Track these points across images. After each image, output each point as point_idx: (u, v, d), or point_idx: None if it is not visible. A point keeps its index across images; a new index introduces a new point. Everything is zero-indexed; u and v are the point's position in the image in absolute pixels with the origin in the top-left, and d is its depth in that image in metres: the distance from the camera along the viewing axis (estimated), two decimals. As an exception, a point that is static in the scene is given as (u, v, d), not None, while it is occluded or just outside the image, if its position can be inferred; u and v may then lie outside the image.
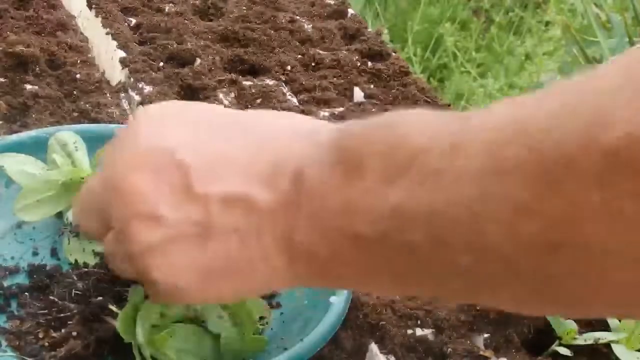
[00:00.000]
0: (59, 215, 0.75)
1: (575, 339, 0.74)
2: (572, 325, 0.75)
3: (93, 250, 0.70)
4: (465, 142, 0.40)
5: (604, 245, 0.35)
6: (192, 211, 0.49)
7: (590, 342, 0.74)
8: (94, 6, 1.14)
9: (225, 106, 0.99)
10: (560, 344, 0.74)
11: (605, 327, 0.76)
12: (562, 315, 0.73)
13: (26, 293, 0.69)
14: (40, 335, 0.65)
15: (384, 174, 0.43)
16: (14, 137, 0.81)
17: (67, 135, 0.73)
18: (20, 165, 0.67)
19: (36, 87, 0.96)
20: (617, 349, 0.74)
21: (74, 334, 0.64)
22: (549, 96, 0.39)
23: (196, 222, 0.49)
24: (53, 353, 0.63)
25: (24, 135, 0.81)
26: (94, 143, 0.81)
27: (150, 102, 0.97)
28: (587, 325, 0.77)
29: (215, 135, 0.51)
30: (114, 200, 0.52)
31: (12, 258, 0.74)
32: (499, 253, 0.38)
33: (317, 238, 0.46)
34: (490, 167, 0.38)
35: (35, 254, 0.74)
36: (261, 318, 0.70)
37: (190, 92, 1.02)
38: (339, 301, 0.69)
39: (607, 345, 0.74)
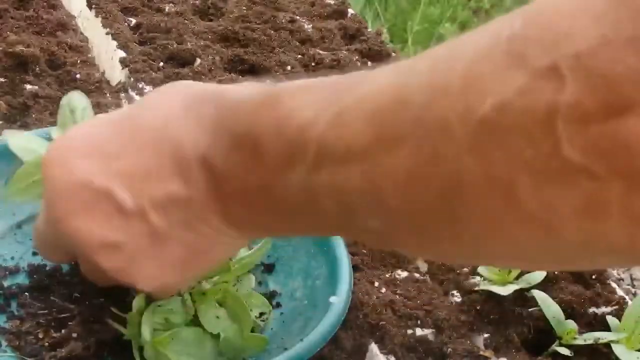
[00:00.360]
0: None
1: (575, 338, 0.74)
2: (572, 326, 0.75)
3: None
4: (350, 115, 0.42)
5: (485, 209, 0.37)
6: (136, 226, 0.52)
7: (590, 342, 0.74)
8: (94, 6, 1.14)
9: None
10: (561, 344, 0.74)
11: (606, 327, 0.76)
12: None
13: (26, 293, 0.69)
14: (40, 336, 0.65)
15: (280, 155, 0.45)
16: (14, 137, 0.81)
17: (78, 100, 0.71)
18: (25, 142, 0.66)
19: (36, 87, 0.96)
20: (617, 349, 0.74)
21: (74, 334, 0.64)
22: (423, 61, 0.40)
23: (145, 233, 0.52)
24: (53, 353, 0.63)
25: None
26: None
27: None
28: (588, 325, 0.77)
29: (119, 151, 0.53)
30: (67, 242, 0.55)
31: (12, 258, 0.74)
32: (401, 216, 0.41)
33: (249, 211, 0.50)
34: (377, 140, 0.40)
35: (35, 254, 0.74)
36: (261, 314, 0.70)
37: (190, 92, 1.02)
38: (339, 301, 0.69)
39: (607, 345, 0.74)
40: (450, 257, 0.45)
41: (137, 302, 0.62)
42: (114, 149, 0.53)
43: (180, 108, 0.52)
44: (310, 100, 0.44)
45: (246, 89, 0.50)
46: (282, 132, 0.45)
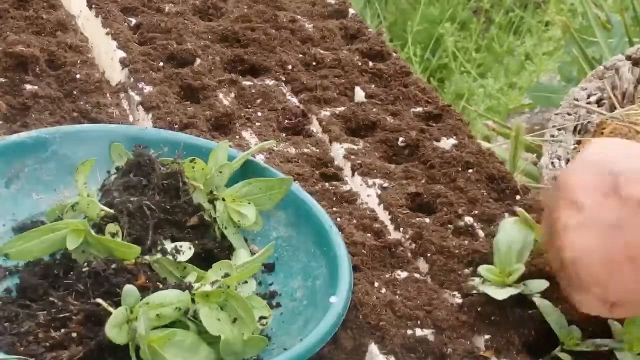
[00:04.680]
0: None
1: (577, 344, 0.74)
2: (576, 332, 0.75)
3: (92, 251, 0.70)
4: None
5: None
6: (610, 205, 0.66)
7: (591, 348, 0.74)
8: (94, 6, 1.14)
9: (225, 106, 0.99)
10: (563, 350, 0.74)
11: (608, 332, 0.76)
12: None
13: (26, 293, 0.69)
14: (40, 336, 0.65)
15: None
16: (14, 137, 0.81)
17: None
18: None
19: (36, 87, 0.96)
20: (619, 354, 0.74)
21: (74, 334, 0.64)
22: None
23: (611, 212, 0.65)
24: (53, 354, 0.63)
25: (24, 135, 0.81)
26: (93, 144, 0.81)
27: (150, 102, 0.97)
28: (590, 330, 0.77)
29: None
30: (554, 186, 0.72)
31: (12, 258, 0.74)
32: None
33: None
34: None
35: (35, 254, 0.74)
36: (261, 318, 0.70)
37: (190, 92, 1.02)
38: (338, 301, 0.69)
39: (610, 350, 0.74)
40: None
41: (127, 297, 0.63)
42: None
43: None
44: None
45: None
46: None
